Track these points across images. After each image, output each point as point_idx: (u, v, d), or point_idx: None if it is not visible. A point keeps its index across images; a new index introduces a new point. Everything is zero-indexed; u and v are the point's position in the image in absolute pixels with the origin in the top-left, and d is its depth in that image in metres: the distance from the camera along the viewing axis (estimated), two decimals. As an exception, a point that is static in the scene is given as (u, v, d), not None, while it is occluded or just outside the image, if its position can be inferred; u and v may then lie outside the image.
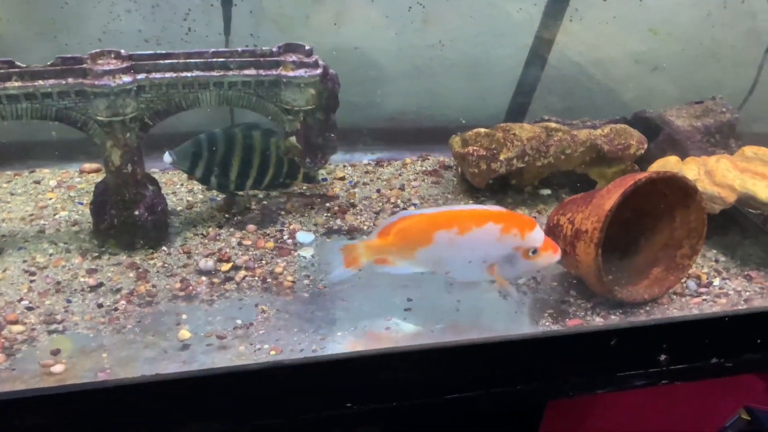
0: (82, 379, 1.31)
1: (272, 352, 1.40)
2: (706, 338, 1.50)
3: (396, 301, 1.58)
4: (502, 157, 1.89)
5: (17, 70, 1.54)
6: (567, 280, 1.68)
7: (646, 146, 1.97)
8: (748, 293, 1.68)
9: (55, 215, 1.87)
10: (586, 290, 1.62)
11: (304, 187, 2.04)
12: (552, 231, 1.64)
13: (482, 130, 1.95)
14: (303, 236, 1.82)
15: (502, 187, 2.05)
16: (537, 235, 1.46)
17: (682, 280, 1.67)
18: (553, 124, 1.95)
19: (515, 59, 2.31)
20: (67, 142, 1.98)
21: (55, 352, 1.38)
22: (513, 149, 1.88)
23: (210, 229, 1.83)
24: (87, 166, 2.11)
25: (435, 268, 1.50)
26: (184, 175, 2.02)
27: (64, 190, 2.00)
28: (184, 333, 1.45)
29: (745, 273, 1.75)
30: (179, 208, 1.93)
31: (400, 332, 1.50)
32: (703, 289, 1.69)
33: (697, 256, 1.62)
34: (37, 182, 2.03)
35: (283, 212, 1.93)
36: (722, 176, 1.72)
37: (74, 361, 1.36)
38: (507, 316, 1.59)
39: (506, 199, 2.04)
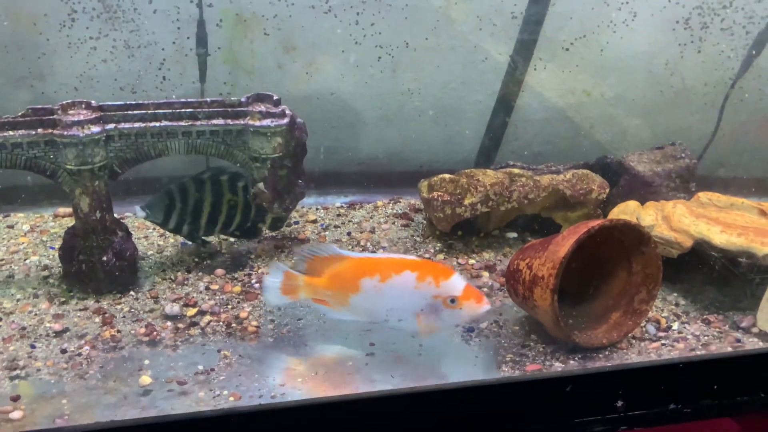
0: (38, 425, 1.32)
1: (231, 399, 1.41)
2: (663, 384, 1.52)
3: (359, 346, 1.60)
4: (466, 202, 1.93)
5: (-12, 120, 1.58)
6: (529, 324, 1.71)
7: (608, 191, 2.02)
8: (706, 337, 1.71)
9: (25, 260, 1.89)
10: (547, 334, 1.65)
11: (275, 232, 2.07)
12: (512, 275, 1.67)
13: (447, 175, 2.00)
14: (271, 280, 1.85)
15: (468, 231, 2.09)
16: (454, 284, 1.44)
17: (642, 325, 1.70)
18: (516, 170, 2.00)
19: (485, 105, 2.38)
20: (42, 186, 2.02)
21: (15, 398, 1.39)
22: (476, 194, 1.93)
23: (179, 273, 1.85)
24: (62, 210, 2.14)
25: (369, 317, 1.51)
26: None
27: (36, 235, 2.02)
28: (145, 379, 1.46)
29: (704, 317, 1.78)
30: (150, 252, 1.95)
31: (361, 378, 1.51)
32: (662, 333, 1.71)
33: (654, 302, 1.65)
34: (11, 227, 2.06)
35: (252, 256, 1.96)
36: (678, 222, 1.77)
37: (33, 408, 1.37)
38: (468, 360, 1.61)
39: (473, 242, 2.07)
